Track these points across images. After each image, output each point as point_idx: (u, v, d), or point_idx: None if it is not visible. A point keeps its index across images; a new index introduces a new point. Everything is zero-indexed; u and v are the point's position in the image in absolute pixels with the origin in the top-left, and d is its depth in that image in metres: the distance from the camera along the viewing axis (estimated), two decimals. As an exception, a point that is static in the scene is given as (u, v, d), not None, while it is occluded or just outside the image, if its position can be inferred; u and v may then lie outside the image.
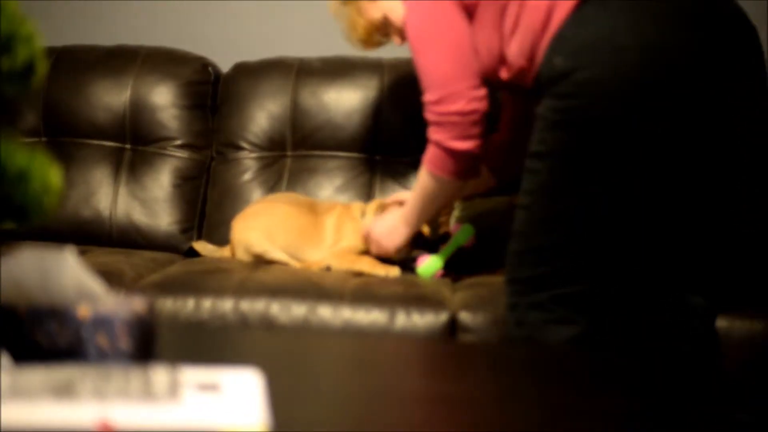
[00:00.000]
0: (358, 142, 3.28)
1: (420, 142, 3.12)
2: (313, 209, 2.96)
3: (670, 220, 2.20)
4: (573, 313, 2.20)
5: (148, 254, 3.06)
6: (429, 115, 2.51)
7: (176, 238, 3.24)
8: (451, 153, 2.51)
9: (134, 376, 0.98)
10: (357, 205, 2.98)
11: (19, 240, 2.90)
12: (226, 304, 2.51)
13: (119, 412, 0.91)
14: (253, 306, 2.50)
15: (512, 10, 2.35)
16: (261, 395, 0.98)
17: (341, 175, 3.25)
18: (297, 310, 2.49)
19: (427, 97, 2.50)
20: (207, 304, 2.51)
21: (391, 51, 2.93)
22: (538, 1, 2.29)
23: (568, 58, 2.16)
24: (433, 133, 2.53)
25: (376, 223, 2.83)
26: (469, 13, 2.45)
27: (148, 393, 0.95)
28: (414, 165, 3.18)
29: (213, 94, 3.43)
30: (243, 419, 0.92)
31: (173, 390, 0.96)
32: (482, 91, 2.48)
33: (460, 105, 2.46)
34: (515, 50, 2.36)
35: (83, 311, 1.09)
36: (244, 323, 2.48)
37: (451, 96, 2.46)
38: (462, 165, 2.54)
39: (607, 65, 2.11)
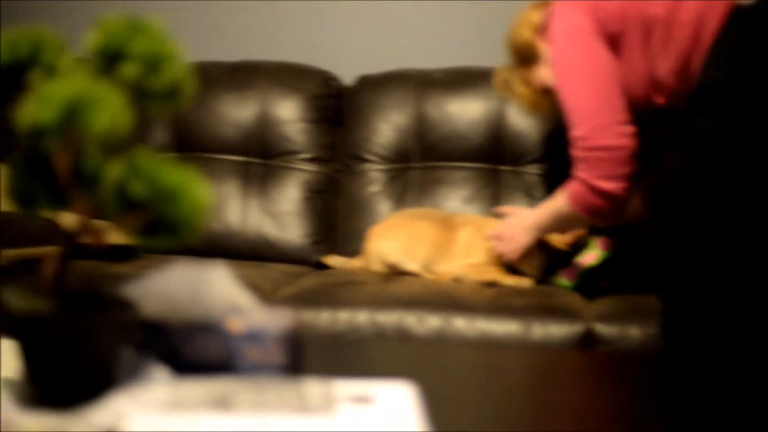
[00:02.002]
0: (483, 152, 3.26)
1: (546, 151, 3.12)
2: (447, 224, 2.97)
3: None
4: (731, 328, 2.16)
5: (281, 267, 3.09)
6: (575, 151, 2.49)
7: (307, 251, 3.26)
8: (596, 192, 2.48)
9: (288, 389, 0.99)
10: (493, 222, 2.97)
11: (153, 255, 2.97)
12: (361, 316, 2.52)
13: (276, 424, 0.91)
14: (389, 318, 2.51)
15: (658, 31, 2.33)
16: (415, 407, 0.98)
17: (468, 185, 3.24)
18: (432, 322, 2.48)
19: (574, 133, 2.48)
20: (343, 316, 2.52)
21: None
22: (684, 17, 2.27)
23: (727, 70, 2.13)
24: (579, 171, 2.50)
25: (505, 222, 2.82)
26: (615, 42, 2.43)
27: (302, 406, 0.96)
28: (540, 175, 3.17)
29: (337, 107, 3.45)
30: (399, 430, 0.92)
31: (327, 403, 0.97)
32: (629, 128, 2.45)
33: (605, 140, 2.43)
34: (666, 71, 2.34)
35: (235, 325, 1.10)
36: (379, 335, 2.48)
37: (596, 130, 2.43)
38: (604, 206, 2.51)
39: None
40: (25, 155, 1.00)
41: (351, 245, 3.20)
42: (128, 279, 2.47)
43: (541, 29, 2.63)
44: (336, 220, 3.33)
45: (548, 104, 2.74)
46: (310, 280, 2.85)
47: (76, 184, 0.98)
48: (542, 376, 1.50)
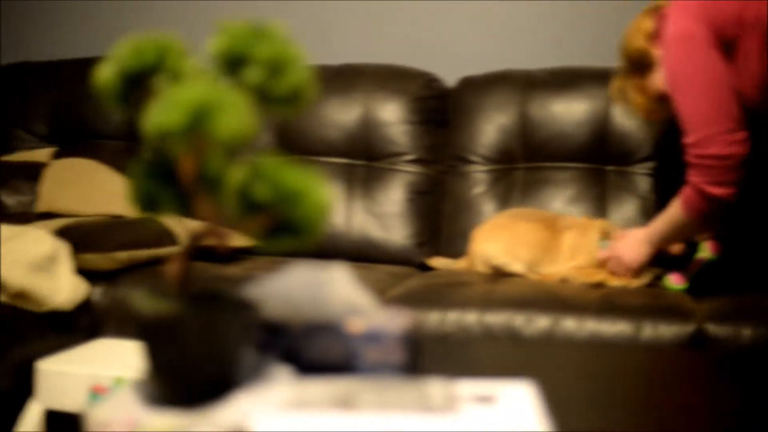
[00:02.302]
0: (588, 152, 3.24)
1: (652, 151, 3.09)
2: (552, 225, 2.95)
3: None
4: None
5: (386, 268, 3.11)
6: (688, 157, 2.49)
7: (411, 252, 3.27)
8: (706, 197, 2.49)
9: (411, 388, 1.00)
10: (598, 223, 2.95)
11: (259, 257, 3.00)
12: (470, 317, 2.51)
13: (402, 423, 0.92)
14: (497, 318, 2.50)
15: None
16: (538, 406, 0.98)
17: (573, 186, 3.22)
18: (541, 322, 2.47)
19: (686, 139, 2.48)
20: (452, 316, 2.52)
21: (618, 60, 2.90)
22: None
23: None
24: (691, 176, 2.51)
25: (621, 239, 2.80)
26: (730, 46, 2.41)
27: (425, 405, 0.96)
28: (646, 174, 3.14)
29: (440, 108, 3.46)
30: (526, 430, 0.91)
31: (450, 402, 0.97)
32: (740, 135, 2.43)
33: (716, 149, 2.43)
34: None
35: (355, 326, 1.11)
36: (488, 335, 2.48)
37: (707, 139, 2.43)
38: (714, 210, 2.51)
39: None
40: (150, 159, 1.02)
41: (455, 246, 3.20)
42: (238, 280, 2.51)
43: (654, 35, 2.61)
44: (440, 222, 3.34)
45: (664, 111, 2.71)
46: (417, 281, 2.86)
47: (200, 187, 0.99)
48: (653, 376, 1.49)
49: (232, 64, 1.01)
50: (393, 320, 1.13)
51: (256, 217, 0.99)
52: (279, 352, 1.13)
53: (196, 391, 1.00)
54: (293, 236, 1.01)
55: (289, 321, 1.13)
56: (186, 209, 1.02)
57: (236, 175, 0.99)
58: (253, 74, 1.00)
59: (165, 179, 1.01)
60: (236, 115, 0.94)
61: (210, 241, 1.04)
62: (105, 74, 1.01)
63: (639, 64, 2.68)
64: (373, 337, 1.11)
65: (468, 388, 1.02)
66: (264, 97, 1.01)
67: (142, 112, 0.98)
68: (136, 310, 1.00)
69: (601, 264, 2.83)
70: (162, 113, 0.94)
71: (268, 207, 0.99)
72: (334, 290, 1.15)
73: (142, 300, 1.01)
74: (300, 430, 0.92)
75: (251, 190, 0.98)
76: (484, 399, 0.98)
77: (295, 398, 0.97)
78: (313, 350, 1.12)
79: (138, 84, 1.01)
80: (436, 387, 1.00)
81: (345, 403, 0.96)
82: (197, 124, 0.93)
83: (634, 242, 2.76)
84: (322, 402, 0.96)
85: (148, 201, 1.04)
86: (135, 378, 1.05)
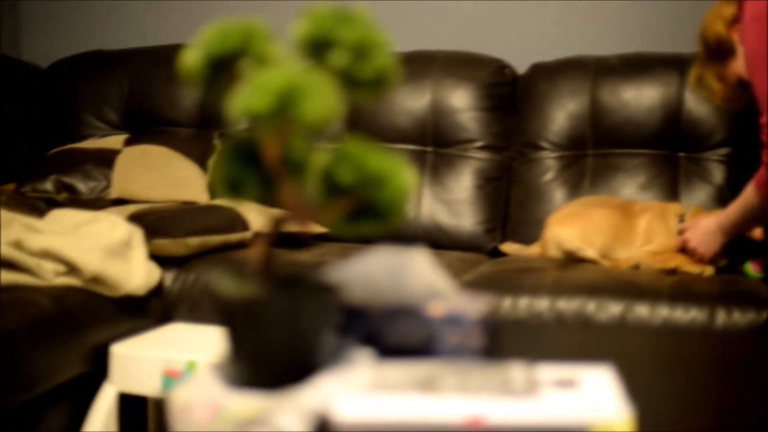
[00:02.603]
0: (660, 138, 3.23)
1: (725, 137, 3.06)
2: (627, 211, 2.94)
3: None
4: None
5: (456, 254, 3.11)
6: (762, 137, 2.46)
7: (481, 238, 3.27)
8: None
9: (492, 372, 1.00)
10: (674, 207, 2.94)
11: (329, 244, 3.01)
12: (542, 303, 2.51)
13: (485, 406, 0.92)
14: (569, 304, 2.50)
15: None
16: (619, 392, 0.97)
17: (644, 172, 3.21)
18: (614, 309, 2.46)
19: (761, 119, 2.45)
20: (523, 302, 2.51)
21: (691, 46, 2.87)
22: None
23: None
24: (765, 156, 2.47)
25: (692, 229, 2.77)
26: None
27: (507, 389, 0.96)
28: (719, 161, 3.11)
29: (511, 95, 3.45)
30: (608, 415, 0.91)
31: (532, 386, 0.97)
32: None
33: None
34: None
35: (435, 309, 1.12)
36: (559, 321, 2.47)
37: None
38: None
39: None
40: (235, 144, 1.03)
41: (524, 233, 3.20)
42: (311, 266, 2.52)
43: (734, 21, 2.60)
44: (509, 208, 3.34)
45: (744, 99, 2.69)
46: (488, 267, 2.86)
47: (284, 171, 1.00)
48: (728, 364, 1.48)
49: (317, 47, 1.02)
50: (472, 304, 1.13)
51: (339, 200, 1.00)
52: (360, 336, 1.14)
53: (278, 374, 1.00)
54: (376, 220, 1.01)
55: (369, 304, 1.14)
56: (269, 194, 1.03)
57: (320, 158, 1.00)
58: (338, 58, 1.01)
59: (249, 163, 1.02)
60: (322, 98, 0.95)
61: (292, 227, 1.05)
62: (191, 59, 1.02)
63: (719, 51, 2.66)
64: (453, 321, 1.12)
65: (548, 372, 1.01)
66: (348, 81, 1.02)
67: (227, 96, 0.99)
68: (219, 294, 1.01)
69: (676, 249, 2.82)
70: (248, 97, 0.95)
71: (351, 190, 0.99)
72: (415, 274, 1.15)
73: (225, 283, 1.02)
74: (382, 412, 0.92)
75: (335, 174, 0.99)
76: (566, 383, 0.98)
77: (377, 381, 0.98)
78: (393, 334, 1.13)
79: (223, 68, 1.02)
80: (517, 371, 1.00)
81: (426, 386, 0.96)
82: (284, 107, 0.94)
83: (706, 232, 2.74)
84: (404, 385, 0.97)
85: (232, 185, 1.04)
86: (211, 361, 1.05)
